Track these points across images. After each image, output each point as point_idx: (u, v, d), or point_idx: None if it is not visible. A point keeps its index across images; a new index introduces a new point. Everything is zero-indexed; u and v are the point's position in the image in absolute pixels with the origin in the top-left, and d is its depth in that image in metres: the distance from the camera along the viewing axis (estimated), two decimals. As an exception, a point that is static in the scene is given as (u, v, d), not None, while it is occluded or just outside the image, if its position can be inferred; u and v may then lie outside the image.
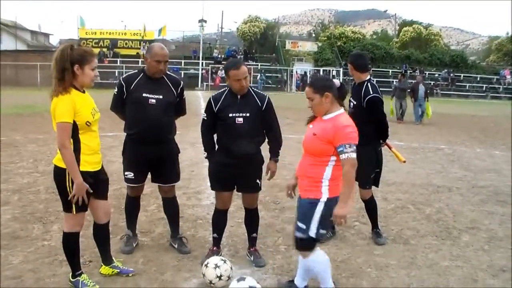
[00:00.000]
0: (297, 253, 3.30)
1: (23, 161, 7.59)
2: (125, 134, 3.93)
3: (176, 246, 4.03)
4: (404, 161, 4.71)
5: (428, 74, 39.99)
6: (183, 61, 36.10)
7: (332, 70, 37.01)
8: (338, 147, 2.86)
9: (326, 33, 46.10)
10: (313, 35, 57.97)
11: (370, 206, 4.45)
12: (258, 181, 3.74)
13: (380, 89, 4.35)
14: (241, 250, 4.07)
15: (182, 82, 4.03)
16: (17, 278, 3.41)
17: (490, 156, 9.67)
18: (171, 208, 4.11)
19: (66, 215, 3.14)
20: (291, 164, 7.00)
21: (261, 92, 3.81)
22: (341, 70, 35.59)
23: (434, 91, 35.37)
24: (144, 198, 4.90)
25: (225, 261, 3.36)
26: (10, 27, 46.61)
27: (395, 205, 5.67)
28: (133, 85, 3.79)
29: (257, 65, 36.72)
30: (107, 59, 34.55)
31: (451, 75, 40.71)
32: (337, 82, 3.18)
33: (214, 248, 3.84)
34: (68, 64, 2.98)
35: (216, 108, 3.63)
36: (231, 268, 3.35)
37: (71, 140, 2.99)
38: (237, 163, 3.60)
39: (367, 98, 4.13)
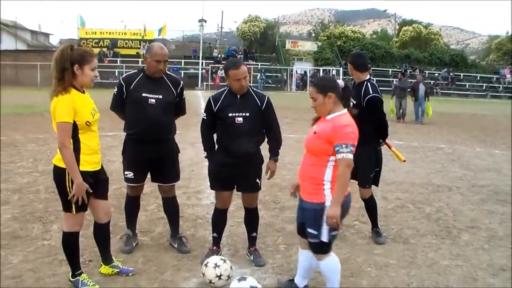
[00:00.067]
0: (297, 252, 3.30)
1: (23, 160, 7.59)
2: (125, 133, 3.94)
3: (176, 245, 4.03)
4: (404, 161, 4.72)
5: (428, 73, 39.93)
6: (183, 60, 36.12)
7: (332, 69, 37.00)
8: (335, 146, 2.84)
9: (326, 33, 46.14)
10: (313, 34, 58.02)
11: (370, 205, 4.45)
12: (257, 180, 3.74)
13: (380, 88, 4.35)
14: (241, 249, 4.07)
15: (181, 82, 4.04)
16: (17, 278, 3.41)
17: (490, 155, 9.67)
18: (171, 208, 4.11)
19: (66, 215, 3.14)
20: (290, 164, 6.91)
21: (261, 92, 3.82)
22: (341, 69, 35.57)
23: (434, 90, 35.31)
24: (144, 198, 4.90)
25: (225, 261, 3.36)
26: (10, 27, 46.62)
27: (395, 204, 5.67)
28: (133, 85, 3.79)
29: (257, 64, 36.72)
30: (107, 59, 34.57)
31: (451, 74, 40.68)
32: (341, 83, 3.16)
33: (214, 248, 3.84)
34: (68, 64, 2.99)
35: (216, 108, 3.63)
36: (231, 267, 3.35)
37: (71, 140, 3.00)
38: (237, 162, 3.61)
39: (367, 98, 4.14)
